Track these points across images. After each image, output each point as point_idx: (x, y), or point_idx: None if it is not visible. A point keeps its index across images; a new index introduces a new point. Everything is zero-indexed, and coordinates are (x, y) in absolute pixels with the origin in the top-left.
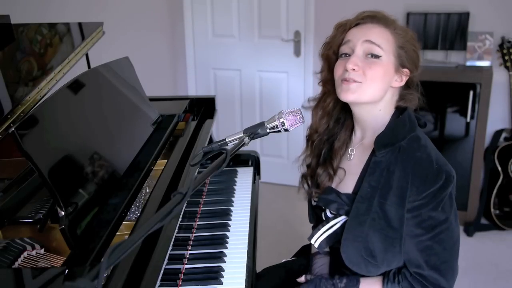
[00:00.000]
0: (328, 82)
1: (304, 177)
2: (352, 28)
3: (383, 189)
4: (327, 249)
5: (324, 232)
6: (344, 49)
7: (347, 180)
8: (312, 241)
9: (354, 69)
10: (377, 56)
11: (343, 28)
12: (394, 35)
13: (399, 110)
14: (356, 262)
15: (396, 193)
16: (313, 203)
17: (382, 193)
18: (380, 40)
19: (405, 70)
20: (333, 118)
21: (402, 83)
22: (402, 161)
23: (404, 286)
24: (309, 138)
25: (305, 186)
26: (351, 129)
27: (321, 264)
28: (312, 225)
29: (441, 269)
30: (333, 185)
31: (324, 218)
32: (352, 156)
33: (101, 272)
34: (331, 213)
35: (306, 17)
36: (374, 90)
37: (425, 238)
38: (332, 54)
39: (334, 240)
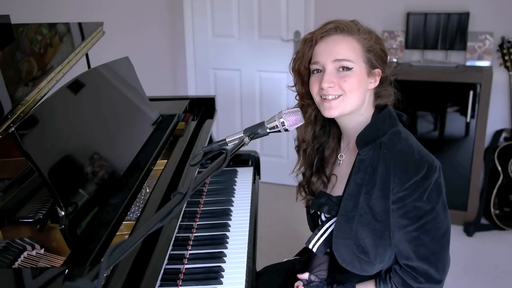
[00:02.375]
0: (305, 96)
1: (300, 186)
2: (318, 42)
3: (368, 185)
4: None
5: (321, 236)
6: (314, 66)
7: (338, 184)
8: (310, 246)
9: (330, 86)
10: (348, 68)
11: (309, 44)
12: (359, 41)
13: (379, 109)
14: (350, 261)
15: (380, 187)
16: (310, 211)
17: (367, 189)
18: (347, 53)
19: (377, 70)
20: (317, 124)
21: (377, 83)
22: (384, 155)
23: (396, 281)
24: (299, 149)
25: (302, 194)
26: (339, 136)
27: (320, 263)
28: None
29: (431, 260)
30: (327, 190)
31: (320, 223)
32: (341, 161)
33: (101, 272)
34: (325, 216)
35: (306, 17)
36: (354, 100)
37: (411, 229)
38: (303, 69)
39: (331, 243)
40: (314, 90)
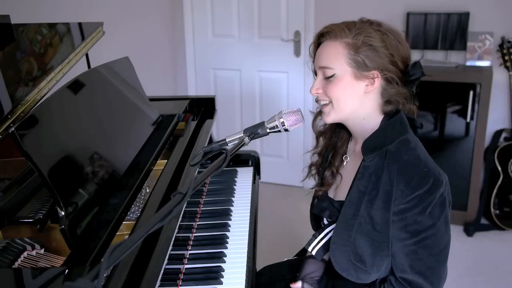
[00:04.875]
0: None
1: (312, 165)
2: (317, 47)
3: (371, 194)
4: (325, 257)
5: (321, 239)
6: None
7: (342, 187)
8: (310, 249)
9: (317, 93)
10: (330, 76)
11: (312, 48)
12: (345, 46)
13: (390, 114)
14: (346, 268)
15: (382, 197)
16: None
17: (369, 198)
18: (327, 59)
19: (373, 72)
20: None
21: (376, 85)
22: (388, 165)
23: None
24: (319, 135)
25: (313, 171)
26: (349, 135)
27: (313, 270)
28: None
29: (426, 275)
30: (331, 192)
31: (322, 225)
32: (346, 162)
33: (101, 272)
34: (327, 220)
35: (306, 17)
36: (343, 105)
37: (410, 243)
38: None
39: None
40: None
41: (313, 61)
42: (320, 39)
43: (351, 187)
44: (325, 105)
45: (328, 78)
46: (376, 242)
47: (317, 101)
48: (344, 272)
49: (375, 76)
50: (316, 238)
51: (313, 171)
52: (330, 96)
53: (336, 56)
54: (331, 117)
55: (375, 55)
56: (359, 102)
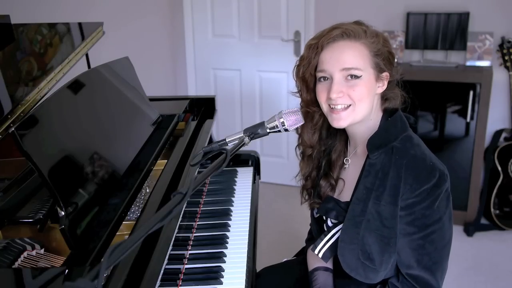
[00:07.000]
0: (311, 103)
1: (304, 189)
2: (324, 48)
3: (378, 190)
4: (328, 265)
5: (327, 241)
6: (321, 74)
7: (346, 190)
8: (316, 252)
9: (339, 96)
10: (357, 77)
11: (315, 50)
12: (367, 46)
13: (388, 112)
14: (354, 267)
15: (389, 192)
16: (315, 215)
17: (376, 194)
18: (355, 60)
19: (385, 74)
20: (324, 128)
21: (385, 87)
22: (396, 160)
23: None
24: (304, 154)
25: (306, 197)
26: (345, 139)
27: (322, 279)
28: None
29: (432, 269)
30: (334, 195)
31: (326, 229)
32: (347, 166)
33: (101, 272)
34: (331, 222)
35: (306, 17)
36: (364, 108)
37: (417, 237)
38: (309, 76)
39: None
40: (322, 98)
41: (314, 65)
42: (333, 39)
43: (356, 186)
44: (343, 109)
45: (353, 79)
46: (385, 238)
47: (329, 105)
48: (353, 272)
49: (385, 78)
50: (322, 240)
51: (306, 196)
52: (354, 99)
53: (362, 57)
54: (347, 121)
55: (387, 57)
56: (372, 104)
